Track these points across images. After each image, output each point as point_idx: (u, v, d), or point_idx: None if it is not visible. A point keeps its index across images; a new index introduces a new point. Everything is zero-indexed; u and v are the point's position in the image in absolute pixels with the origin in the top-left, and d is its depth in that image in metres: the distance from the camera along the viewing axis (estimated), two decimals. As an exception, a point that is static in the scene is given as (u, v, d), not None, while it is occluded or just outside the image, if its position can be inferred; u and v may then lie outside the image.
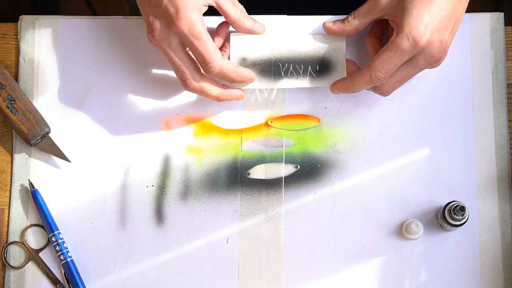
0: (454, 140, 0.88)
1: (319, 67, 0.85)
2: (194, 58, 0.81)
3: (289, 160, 0.89)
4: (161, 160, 0.89)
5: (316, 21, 0.92)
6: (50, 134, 0.90)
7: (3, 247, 0.88)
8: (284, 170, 0.89)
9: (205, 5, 0.81)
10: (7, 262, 0.87)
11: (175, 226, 0.88)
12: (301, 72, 0.85)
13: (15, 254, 0.88)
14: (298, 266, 0.87)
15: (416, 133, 0.89)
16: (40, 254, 0.88)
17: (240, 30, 0.85)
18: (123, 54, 0.91)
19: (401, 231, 0.86)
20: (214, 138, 0.90)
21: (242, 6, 0.84)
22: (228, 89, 0.84)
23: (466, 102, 0.89)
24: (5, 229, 0.88)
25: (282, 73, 0.85)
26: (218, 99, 0.84)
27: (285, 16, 0.92)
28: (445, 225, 0.85)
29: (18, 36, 0.93)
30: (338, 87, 0.84)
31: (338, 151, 0.89)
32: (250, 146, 0.89)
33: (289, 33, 0.88)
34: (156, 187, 0.89)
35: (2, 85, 0.89)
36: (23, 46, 0.92)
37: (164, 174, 0.89)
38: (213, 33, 0.85)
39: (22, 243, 0.88)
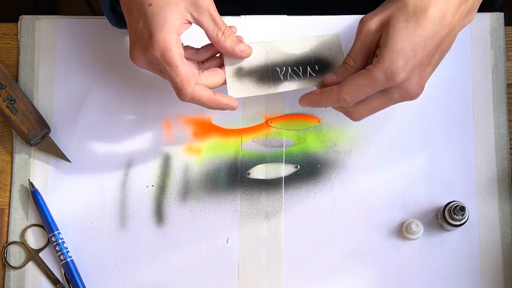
0: (454, 140, 0.88)
1: (318, 67, 0.83)
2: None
3: (289, 160, 0.89)
4: (161, 160, 0.89)
5: (316, 21, 0.92)
6: (50, 134, 0.90)
7: (3, 247, 0.88)
8: (284, 170, 0.89)
9: (185, 23, 0.77)
10: (7, 262, 0.87)
11: (175, 226, 0.88)
12: (300, 74, 0.83)
13: (15, 254, 0.88)
14: (298, 266, 0.87)
15: (416, 133, 0.89)
16: (40, 254, 0.88)
17: (222, 51, 0.80)
18: (123, 54, 0.91)
19: (401, 231, 0.86)
20: (214, 138, 0.90)
21: (227, 27, 0.78)
22: (219, 99, 0.79)
23: (466, 102, 0.89)
24: (5, 229, 0.88)
25: (282, 77, 0.82)
26: (210, 108, 0.79)
27: (285, 16, 0.92)
28: (445, 225, 0.85)
29: (18, 36, 0.93)
30: (306, 100, 0.80)
31: (338, 151, 0.89)
32: (250, 146, 0.89)
33: (282, 38, 0.87)
34: (156, 187, 0.89)
35: (2, 85, 0.89)
36: (23, 46, 0.92)
37: (164, 174, 0.89)
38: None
39: (22, 243, 0.88)
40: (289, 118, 0.90)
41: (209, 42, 0.80)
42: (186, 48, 0.80)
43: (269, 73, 0.82)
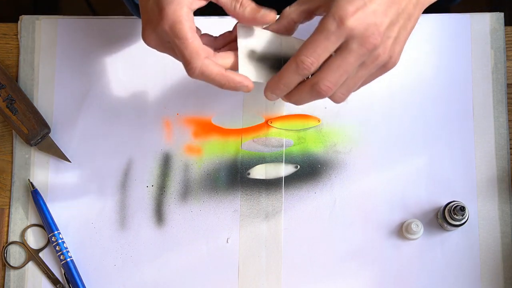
0: (454, 140, 0.88)
1: None
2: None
3: (289, 160, 0.89)
4: (161, 160, 0.89)
5: (317, 21, 0.91)
6: (50, 134, 0.90)
7: (3, 247, 0.88)
8: (284, 170, 0.89)
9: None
10: (7, 262, 0.87)
11: (175, 226, 0.88)
12: None
13: (15, 254, 0.88)
14: (298, 266, 0.87)
15: (416, 133, 0.89)
16: (40, 254, 0.88)
17: (243, 23, 0.76)
18: (123, 54, 0.91)
19: (401, 231, 0.86)
20: (214, 138, 0.90)
21: None
22: (229, 72, 0.74)
23: (466, 102, 0.89)
24: (5, 229, 0.88)
25: None
26: (221, 86, 0.74)
27: (285, 16, 0.92)
28: (445, 225, 0.85)
29: (18, 36, 0.93)
30: (269, 87, 0.74)
31: (338, 151, 0.89)
32: (250, 146, 0.89)
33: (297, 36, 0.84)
34: (156, 187, 0.89)
35: (2, 85, 0.89)
36: (23, 46, 0.92)
37: (164, 174, 0.89)
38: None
39: (22, 243, 0.88)
40: (289, 118, 0.90)
41: (225, 31, 0.77)
42: (204, 35, 0.77)
43: (281, 63, 0.77)
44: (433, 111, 0.89)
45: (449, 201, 0.85)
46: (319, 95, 0.71)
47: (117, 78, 0.91)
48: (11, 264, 0.88)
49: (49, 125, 0.90)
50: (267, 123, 0.90)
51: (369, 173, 0.88)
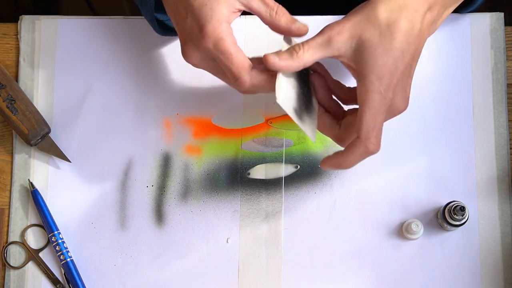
0: (454, 140, 0.88)
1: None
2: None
3: (289, 160, 0.89)
4: (161, 160, 0.89)
5: (317, 22, 0.92)
6: (50, 134, 0.90)
7: (3, 247, 0.88)
8: (284, 170, 0.89)
9: (234, 12, 0.74)
10: (7, 262, 0.87)
11: (175, 226, 0.88)
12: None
13: (15, 254, 0.88)
14: (298, 266, 0.87)
15: (416, 133, 0.89)
16: (40, 254, 0.88)
17: (277, 32, 0.76)
18: (123, 54, 0.91)
19: (401, 231, 0.86)
20: (214, 138, 0.90)
21: (279, 6, 0.74)
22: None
23: (466, 102, 0.89)
24: (5, 229, 0.88)
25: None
26: (269, 89, 0.75)
27: (285, 16, 0.92)
28: (445, 225, 0.85)
29: (18, 36, 0.93)
30: (329, 164, 0.74)
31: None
32: (250, 146, 0.89)
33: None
34: (156, 187, 0.89)
35: (2, 85, 0.89)
36: (23, 46, 0.92)
37: (164, 174, 0.89)
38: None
39: (22, 243, 0.88)
40: (289, 118, 0.89)
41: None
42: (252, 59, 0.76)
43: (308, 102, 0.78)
44: (433, 111, 0.89)
45: (449, 201, 0.85)
46: (372, 154, 0.72)
47: (117, 78, 0.91)
48: (11, 264, 0.88)
49: (49, 125, 0.89)
50: (267, 123, 0.90)
51: (369, 173, 0.88)
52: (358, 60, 0.71)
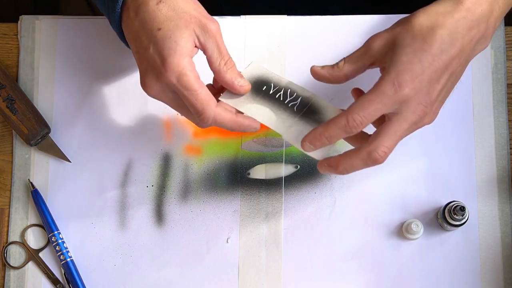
0: (454, 140, 0.88)
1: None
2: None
3: (289, 160, 0.89)
4: (161, 160, 0.89)
5: (317, 22, 0.92)
6: (50, 134, 0.90)
7: (3, 247, 0.88)
8: (284, 170, 0.89)
9: (195, 47, 0.74)
10: (7, 262, 0.87)
11: (175, 226, 0.88)
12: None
13: (15, 254, 0.88)
14: (298, 266, 0.87)
15: (416, 133, 0.88)
16: (40, 254, 0.88)
17: (220, 82, 0.77)
18: (123, 54, 0.91)
19: (401, 231, 0.86)
20: (214, 138, 0.90)
21: (230, 58, 0.76)
22: (239, 117, 0.76)
23: (466, 102, 0.89)
24: (5, 229, 0.88)
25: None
26: (233, 130, 0.77)
27: (285, 16, 0.92)
28: (445, 225, 0.85)
29: (18, 36, 0.93)
30: (308, 138, 0.74)
31: (338, 150, 0.88)
32: (250, 146, 0.89)
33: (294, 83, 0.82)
34: (156, 187, 0.89)
35: (2, 85, 0.89)
36: (23, 46, 0.92)
37: (164, 174, 0.89)
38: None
39: (22, 243, 0.88)
40: (289, 118, 0.89)
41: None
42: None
43: (285, 106, 0.79)
44: (433, 111, 0.89)
45: (449, 201, 0.85)
46: (375, 162, 0.72)
47: (117, 78, 0.91)
48: (11, 264, 0.88)
49: (49, 125, 0.90)
50: (267, 123, 0.90)
51: (369, 173, 0.88)
52: (387, 60, 0.72)
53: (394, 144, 0.72)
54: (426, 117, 0.73)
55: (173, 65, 0.72)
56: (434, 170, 0.88)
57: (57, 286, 0.87)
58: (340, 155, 0.74)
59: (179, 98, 0.74)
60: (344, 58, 0.76)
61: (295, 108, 0.78)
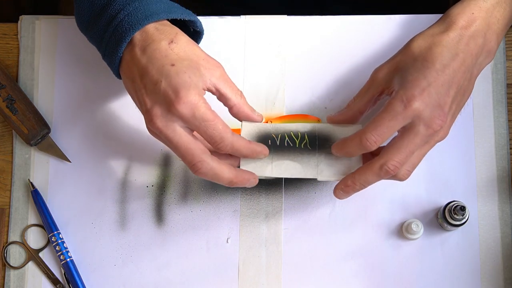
0: (454, 140, 0.88)
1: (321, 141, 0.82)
2: (200, 141, 0.77)
3: (289, 160, 0.89)
4: (161, 160, 0.89)
5: (317, 22, 0.92)
6: (50, 134, 0.90)
7: (3, 247, 0.88)
8: (284, 170, 0.89)
9: (204, 89, 0.76)
10: (7, 262, 0.87)
11: (175, 226, 0.88)
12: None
13: (15, 254, 0.88)
14: (298, 266, 0.87)
15: (416, 133, 0.89)
16: (40, 254, 0.88)
17: (238, 116, 0.80)
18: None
19: (401, 231, 0.86)
20: (214, 138, 0.89)
21: (241, 91, 0.79)
22: (240, 172, 0.78)
23: (466, 102, 0.89)
24: (5, 229, 0.88)
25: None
26: (231, 183, 0.78)
27: (285, 16, 0.92)
28: (445, 225, 0.85)
29: (18, 36, 0.93)
30: (337, 149, 0.79)
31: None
32: (250, 146, 0.89)
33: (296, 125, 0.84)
34: (156, 187, 0.89)
35: (2, 85, 0.89)
36: (23, 46, 0.92)
37: (164, 174, 0.89)
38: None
39: (22, 243, 0.88)
40: (289, 118, 0.90)
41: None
42: None
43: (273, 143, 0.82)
44: (433, 111, 0.89)
45: (449, 201, 0.85)
46: (386, 174, 0.75)
47: (117, 78, 0.91)
48: (11, 264, 0.88)
49: (49, 125, 0.90)
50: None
51: (369, 173, 0.88)
52: (395, 84, 0.76)
53: (404, 158, 0.75)
54: (441, 131, 0.76)
55: (188, 98, 0.73)
56: (434, 170, 0.88)
57: (57, 286, 0.87)
58: (353, 173, 0.77)
59: (186, 133, 0.75)
60: (354, 97, 0.81)
61: (308, 146, 0.81)
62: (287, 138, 0.82)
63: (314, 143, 0.81)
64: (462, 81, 0.75)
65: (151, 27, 0.77)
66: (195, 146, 0.75)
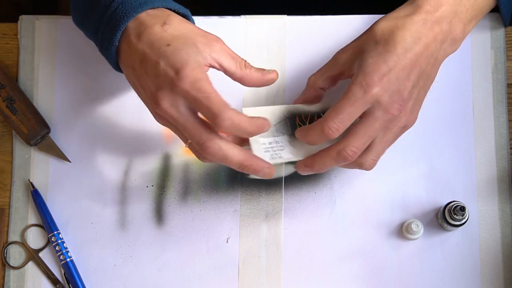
0: (454, 140, 0.88)
1: None
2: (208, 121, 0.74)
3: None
4: (161, 160, 0.89)
5: (316, 22, 0.92)
6: (50, 134, 0.90)
7: (3, 247, 0.88)
8: (284, 170, 0.89)
9: (206, 65, 0.74)
10: (7, 262, 0.87)
11: (175, 226, 0.88)
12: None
13: (15, 254, 0.88)
14: (298, 266, 0.87)
15: (416, 133, 0.89)
16: (40, 254, 0.88)
17: (250, 84, 0.77)
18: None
19: (401, 231, 0.86)
20: (214, 138, 0.89)
21: (245, 60, 0.77)
22: (252, 156, 0.75)
23: (466, 102, 0.89)
24: (5, 229, 0.88)
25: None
26: (241, 166, 0.74)
27: (285, 16, 0.92)
28: (445, 225, 0.85)
29: (18, 36, 0.93)
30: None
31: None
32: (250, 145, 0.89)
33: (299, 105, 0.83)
34: (156, 187, 0.89)
35: (2, 85, 0.89)
36: (23, 46, 0.92)
37: (164, 174, 0.89)
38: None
39: (22, 243, 0.88)
40: (289, 118, 0.89)
41: None
42: None
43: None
44: (433, 111, 0.89)
45: (449, 201, 0.85)
46: (344, 160, 0.75)
47: (117, 78, 0.91)
48: (11, 264, 0.88)
49: (49, 125, 0.90)
50: (267, 123, 0.89)
51: (369, 173, 0.88)
52: (355, 67, 0.75)
53: (362, 143, 0.74)
54: (402, 116, 0.74)
55: (188, 72, 0.72)
56: (434, 170, 0.88)
57: (57, 286, 0.87)
58: (314, 155, 0.76)
59: (191, 114, 0.73)
60: (313, 74, 0.80)
61: (281, 129, 0.80)
62: (297, 121, 0.80)
63: (286, 126, 0.80)
64: (424, 66, 0.75)
65: (143, 14, 0.76)
66: (202, 126, 0.73)
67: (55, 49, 0.92)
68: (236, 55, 0.76)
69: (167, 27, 0.75)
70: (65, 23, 0.93)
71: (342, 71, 0.78)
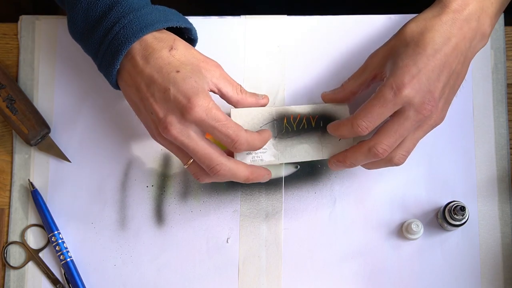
0: (454, 140, 0.88)
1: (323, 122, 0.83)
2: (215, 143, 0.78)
3: (289, 160, 0.89)
4: (161, 160, 0.89)
5: (316, 22, 0.92)
6: (50, 134, 0.90)
7: (3, 247, 0.88)
8: (284, 170, 0.89)
9: (208, 91, 0.77)
10: (7, 262, 0.87)
11: (175, 226, 0.88)
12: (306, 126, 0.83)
13: (15, 254, 0.88)
14: (298, 266, 0.87)
15: (416, 133, 0.89)
16: (40, 254, 0.88)
17: (244, 107, 0.81)
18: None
19: (401, 231, 0.86)
20: (213, 138, 0.89)
21: (240, 85, 0.81)
22: (255, 168, 0.79)
23: (466, 102, 0.89)
24: (5, 229, 0.88)
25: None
26: (247, 179, 0.79)
27: (285, 16, 0.92)
28: (445, 225, 0.85)
29: (18, 36, 0.93)
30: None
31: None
32: (250, 146, 0.89)
33: (289, 106, 0.84)
34: (156, 187, 0.89)
35: (2, 85, 0.89)
36: (23, 46, 0.92)
37: (164, 174, 0.89)
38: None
39: (22, 243, 0.88)
40: (289, 118, 0.89)
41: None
42: None
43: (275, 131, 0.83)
44: (433, 111, 0.89)
45: (449, 201, 0.85)
46: (375, 156, 0.77)
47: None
48: (11, 264, 0.88)
49: (49, 125, 0.90)
50: (267, 123, 0.90)
51: (369, 173, 0.88)
52: (387, 70, 0.77)
53: (393, 141, 0.76)
54: (433, 116, 0.76)
55: (200, 101, 0.74)
56: (434, 170, 0.88)
57: (57, 286, 0.87)
58: (346, 150, 0.80)
59: (201, 137, 0.76)
60: (348, 78, 0.82)
61: (305, 127, 0.82)
62: (285, 122, 0.82)
63: (310, 124, 0.82)
64: (454, 65, 0.76)
65: (148, 36, 0.78)
66: (211, 150, 0.76)
67: (55, 49, 0.92)
68: (233, 80, 0.80)
69: (175, 52, 0.77)
70: (65, 23, 0.92)
71: (375, 74, 0.80)
